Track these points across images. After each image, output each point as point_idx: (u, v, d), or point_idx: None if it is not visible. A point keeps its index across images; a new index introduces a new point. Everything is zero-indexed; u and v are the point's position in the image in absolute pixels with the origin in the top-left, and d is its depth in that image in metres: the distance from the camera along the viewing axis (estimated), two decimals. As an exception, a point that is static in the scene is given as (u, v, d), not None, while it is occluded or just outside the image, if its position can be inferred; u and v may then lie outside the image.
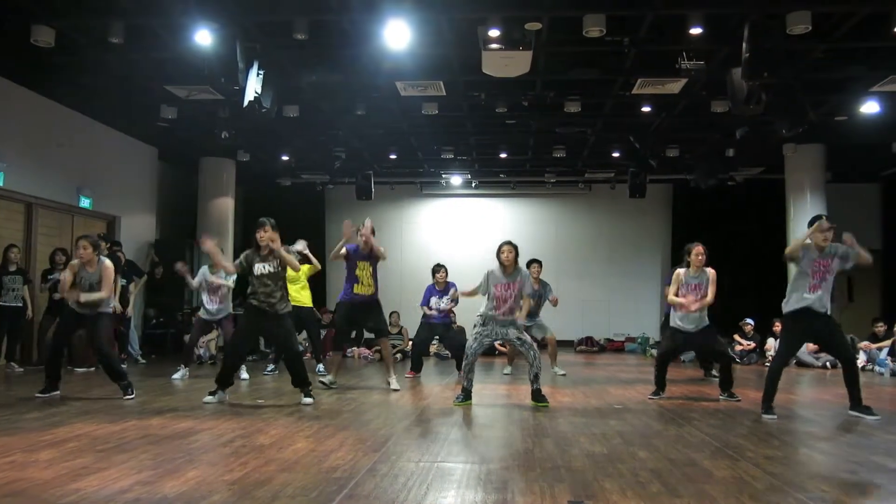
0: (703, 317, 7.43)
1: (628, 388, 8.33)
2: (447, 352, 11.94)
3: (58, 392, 7.05)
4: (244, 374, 8.82)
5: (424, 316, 9.89)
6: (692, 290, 7.39)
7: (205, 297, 9.05)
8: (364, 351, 13.43)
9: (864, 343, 11.69)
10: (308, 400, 6.73)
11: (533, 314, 9.70)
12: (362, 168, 15.10)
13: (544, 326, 10.32)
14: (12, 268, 9.53)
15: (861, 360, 11.58)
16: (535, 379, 6.82)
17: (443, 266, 9.92)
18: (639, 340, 15.60)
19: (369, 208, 16.65)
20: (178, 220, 14.90)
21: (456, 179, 16.46)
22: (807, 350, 12.15)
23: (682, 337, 7.56)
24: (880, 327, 11.65)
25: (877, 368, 10.97)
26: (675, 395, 7.71)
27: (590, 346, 15.79)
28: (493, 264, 6.88)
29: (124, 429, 5.21)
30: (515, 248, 6.84)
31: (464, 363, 6.97)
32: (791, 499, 3.49)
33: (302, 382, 6.87)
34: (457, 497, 3.50)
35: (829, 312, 6.36)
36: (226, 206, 14.73)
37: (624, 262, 17.04)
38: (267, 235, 6.73)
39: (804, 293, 6.26)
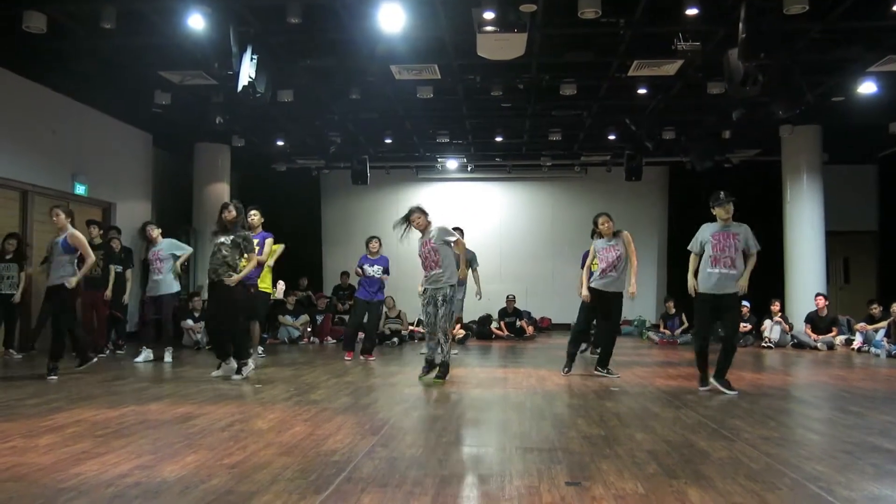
0: (619, 281, 7.69)
1: (625, 370, 8.34)
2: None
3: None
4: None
5: (356, 292, 9.95)
6: (607, 250, 7.70)
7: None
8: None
9: (861, 325, 11.72)
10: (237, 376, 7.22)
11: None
12: (358, 152, 15.06)
13: (459, 304, 10.49)
14: (8, 256, 9.51)
15: (857, 341, 11.63)
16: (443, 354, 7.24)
17: (375, 237, 9.85)
18: (635, 323, 15.64)
19: (365, 193, 16.68)
20: (173, 206, 14.86)
21: (452, 163, 16.43)
22: (805, 331, 12.20)
23: (596, 294, 7.74)
24: (875, 308, 11.67)
25: (873, 350, 11.00)
26: (672, 378, 7.74)
27: (587, 329, 15.82)
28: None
29: (123, 414, 5.22)
30: (424, 212, 7.38)
31: (426, 339, 7.39)
32: (787, 479, 3.52)
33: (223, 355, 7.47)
34: (454, 479, 3.52)
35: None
36: (221, 191, 14.69)
37: (620, 245, 17.03)
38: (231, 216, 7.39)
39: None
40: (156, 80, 10.41)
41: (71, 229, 7.65)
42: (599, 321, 8.54)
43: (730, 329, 6.57)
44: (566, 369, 7.85)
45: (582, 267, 8.40)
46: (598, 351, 8.43)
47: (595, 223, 7.87)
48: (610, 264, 7.63)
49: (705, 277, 6.51)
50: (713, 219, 6.68)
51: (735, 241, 6.45)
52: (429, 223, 7.39)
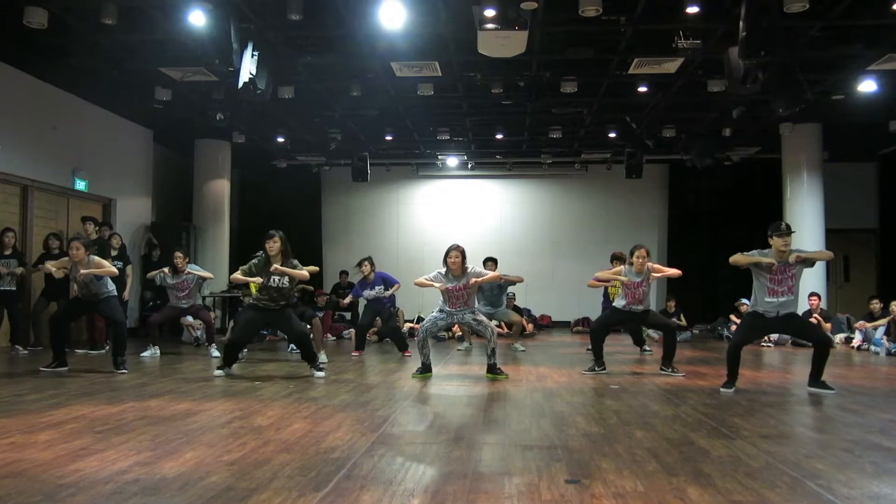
0: (644, 304, 7.95)
1: (624, 368, 8.35)
2: (443, 333, 12.02)
3: (66, 367, 7.57)
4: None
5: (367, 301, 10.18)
6: (636, 287, 7.83)
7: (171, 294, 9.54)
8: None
9: (860, 322, 11.72)
10: (320, 374, 7.28)
11: (494, 303, 10.59)
12: (358, 149, 15.03)
13: (507, 312, 11.08)
14: (7, 251, 9.50)
15: (857, 339, 11.63)
16: (492, 354, 7.36)
17: (365, 260, 10.10)
18: (635, 321, 15.62)
19: (365, 190, 16.68)
20: (174, 203, 14.87)
21: (452, 160, 16.41)
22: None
23: (624, 315, 8.05)
24: (875, 304, 11.65)
25: (872, 348, 11.00)
26: (672, 375, 7.73)
27: (586, 326, 15.82)
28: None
29: (122, 410, 5.22)
30: (463, 252, 7.33)
31: (417, 340, 7.50)
32: (787, 477, 3.52)
33: (310, 358, 7.42)
34: (454, 476, 3.52)
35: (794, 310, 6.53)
36: (221, 187, 14.70)
37: (620, 242, 16.84)
38: (276, 246, 7.25)
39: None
40: (156, 77, 10.40)
41: (94, 259, 7.58)
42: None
43: (818, 332, 6.78)
44: (600, 368, 7.83)
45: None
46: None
47: (631, 253, 7.97)
48: (636, 300, 7.86)
49: (762, 302, 6.49)
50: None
51: (792, 275, 6.38)
52: (465, 267, 7.33)
